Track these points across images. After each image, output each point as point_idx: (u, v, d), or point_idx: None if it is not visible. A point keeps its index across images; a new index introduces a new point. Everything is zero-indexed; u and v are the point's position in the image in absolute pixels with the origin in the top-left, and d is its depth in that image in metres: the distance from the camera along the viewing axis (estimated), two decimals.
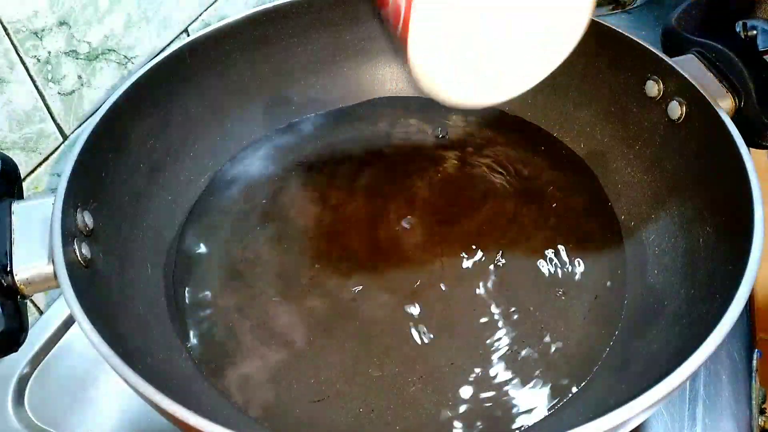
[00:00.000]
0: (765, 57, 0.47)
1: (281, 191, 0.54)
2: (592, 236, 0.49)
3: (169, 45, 0.57)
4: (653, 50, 0.47)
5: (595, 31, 0.51)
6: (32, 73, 0.45)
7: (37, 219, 0.39)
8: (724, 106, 0.45)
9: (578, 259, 0.48)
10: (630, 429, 0.32)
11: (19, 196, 0.41)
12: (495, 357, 0.43)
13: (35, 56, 0.45)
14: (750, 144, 0.41)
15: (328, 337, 0.45)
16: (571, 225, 0.50)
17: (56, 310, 0.52)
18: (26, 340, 0.37)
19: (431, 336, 0.44)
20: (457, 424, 0.40)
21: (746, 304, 0.34)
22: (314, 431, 0.40)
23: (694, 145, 0.45)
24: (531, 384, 0.42)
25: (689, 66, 0.47)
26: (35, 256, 0.37)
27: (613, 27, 0.50)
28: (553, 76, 0.56)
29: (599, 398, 0.41)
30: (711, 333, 0.33)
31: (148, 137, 0.50)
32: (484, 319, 0.45)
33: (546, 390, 0.42)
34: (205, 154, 0.55)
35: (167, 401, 0.31)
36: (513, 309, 0.46)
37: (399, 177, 0.55)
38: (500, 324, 0.45)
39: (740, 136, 0.41)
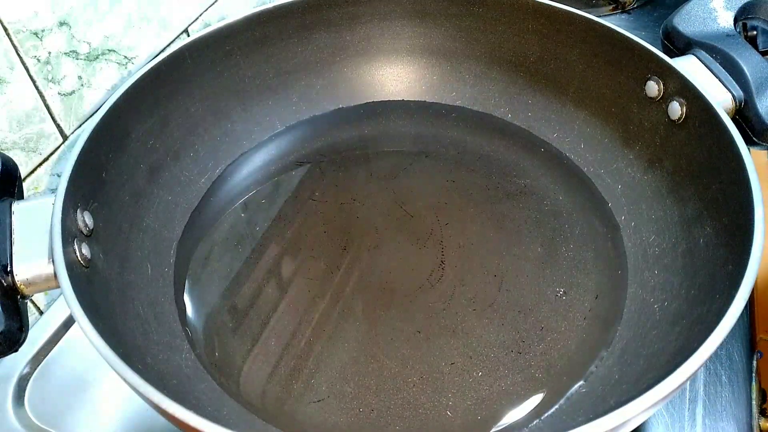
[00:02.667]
0: (765, 57, 0.47)
1: (281, 191, 0.54)
2: (592, 236, 0.49)
3: (169, 45, 0.57)
4: (653, 50, 0.47)
5: (595, 31, 0.51)
6: (32, 73, 0.45)
7: (37, 219, 0.38)
8: (724, 106, 0.45)
9: (578, 259, 0.48)
10: (630, 429, 0.32)
11: (20, 196, 0.41)
12: (495, 357, 0.43)
13: (35, 56, 0.45)
14: (750, 144, 0.41)
15: (328, 337, 0.45)
16: (572, 225, 0.50)
17: (56, 310, 0.52)
18: (26, 340, 0.37)
19: (431, 336, 0.44)
20: (457, 424, 0.40)
21: (746, 305, 0.34)
22: (314, 431, 0.40)
23: (694, 145, 0.45)
24: (531, 384, 0.42)
25: (689, 66, 0.47)
26: (35, 256, 0.37)
27: (613, 27, 0.50)
28: (554, 76, 0.56)
29: (599, 398, 0.41)
30: (711, 333, 0.33)
31: (148, 137, 0.50)
32: (484, 320, 0.45)
33: (546, 390, 0.42)
34: (206, 155, 0.55)
35: (167, 401, 0.31)
36: (513, 309, 0.46)
37: (399, 178, 0.55)
38: (500, 324, 0.45)
39: (740, 136, 0.41)
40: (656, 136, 0.49)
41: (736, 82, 0.46)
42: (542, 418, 0.40)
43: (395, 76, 0.61)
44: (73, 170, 0.40)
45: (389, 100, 0.61)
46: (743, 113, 0.46)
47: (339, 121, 0.59)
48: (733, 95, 0.46)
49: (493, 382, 0.42)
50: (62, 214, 0.38)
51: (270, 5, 0.55)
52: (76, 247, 0.39)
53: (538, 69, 0.57)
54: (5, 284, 0.36)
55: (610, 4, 0.80)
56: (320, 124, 0.59)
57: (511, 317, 0.45)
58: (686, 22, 0.51)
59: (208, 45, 0.53)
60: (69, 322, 0.51)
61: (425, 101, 0.61)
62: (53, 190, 0.40)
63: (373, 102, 0.61)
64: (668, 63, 0.46)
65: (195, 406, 0.32)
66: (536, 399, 0.41)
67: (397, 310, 0.46)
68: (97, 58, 0.50)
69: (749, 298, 0.34)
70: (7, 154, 0.42)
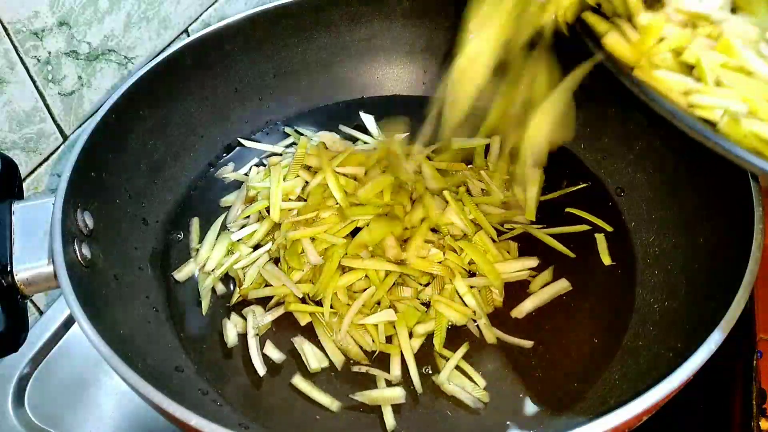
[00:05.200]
0: None
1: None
2: (592, 237, 0.49)
3: (169, 45, 0.57)
4: None
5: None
6: (32, 73, 0.45)
7: (37, 219, 0.39)
8: None
9: (580, 259, 0.48)
10: (631, 429, 0.32)
11: (20, 196, 0.41)
12: (496, 357, 0.43)
13: (35, 56, 0.45)
14: None
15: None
16: (572, 226, 0.50)
17: (56, 310, 0.52)
18: (26, 340, 0.37)
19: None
20: (458, 423, 0.41)
21: (746, 305, 0.34)
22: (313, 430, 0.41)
23: (694, 146, 0.45)
24: (532, 383, 0.42)
25: None
26: (35, 256, 0.37)
27: None
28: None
29: (600, 398, 0.41)
30: (711, 333, 0.33)
31: (148, 137, 0.50)
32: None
33: (547, 390, 0.42)
34: (205, 154, 0.55)
35: (167, 401, 0.31)
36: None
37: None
38: (501, 324, 0.45)
39: None
40: (656, 136, 0.49)
41: None
42: (544, 418, 0.40)
43: (395, 76, 0.61)
44: (73, 170, 0.41)
45: (388, 97, 0.61)
46: None
47: (339, 120, 0.59)
48: None
49: (494, 381, 0.42)
50: (62, 214, 0.38)
51: (270, 5, 0.55)
52: (76, 247, 0.39)
53: None
54: (5, 284, 0.36)
55: None
56: (321, 124, 0.59)
57: (513, 318, 0.45)
58: None
59: (208, 45, 0.53)
60: (69, 322, 0.51)
61: (426, 96, 0.61)
62: (53, 190, 0.40)
63: (373, 99, 0.61)
64: None
65: (195, 406, 0.32)
66: (537, 398, 0.41)
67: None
68: (97, 58, 0.50)
69: (749, 298, 0.34)
70: (7, 154, 0.42)
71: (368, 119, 0.58)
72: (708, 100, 0.33)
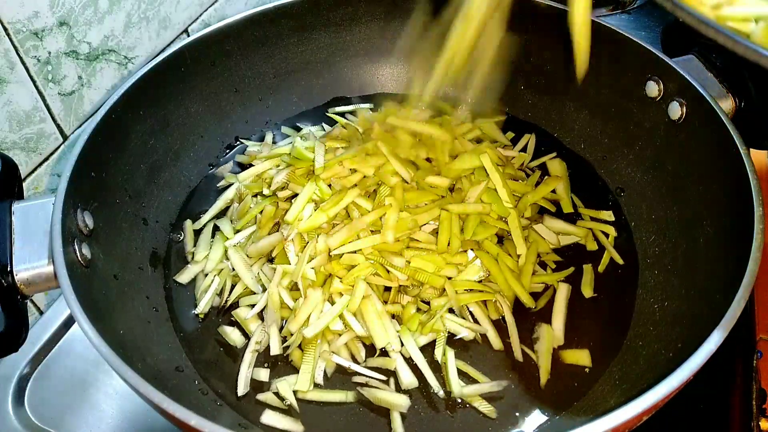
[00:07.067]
0: None
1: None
2: (592, 237, 0.49)
3: (169, 45, 0.57)
4: (653, 51, 0.48)
5: (595, 31, 0.51)
6: (32, 73, 0.45)
7: (37, 219, 0.39)
8: (724, 106, 0.45)
9: (580, 259, 0.48)
10: (631, 429, 0.32)
11: (20, 196, 0.41)
12: (497, 357, 0.43)
13: (35, 56, 0.45)
14: (750, 144, 0.41)
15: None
16: (572, 226, 0.50)
17: (56, 310, 0.52)
18: (26, 340, 0.37)
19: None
20: (459, 424, 0.41)
21: (746, 305, 0.34)
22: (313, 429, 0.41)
23: (694, 146, 0.45)
24: (534, 385, 0.42)
25: (689, 66, 0.47)
26: (35, 256, 0.37)
27: (613, 27, 0.50)
28: (554, 77, 0.56)
29: (600, 398, 0.41)
30: (711, 333, 0.33)
31: (148, 137, 0.50)
32: None
33: (549, 391, 0.42)
34: (205, 154, 0.55)
35: (167, 401, 0.31)
36: (513, 309, 0.46)
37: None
38: (503, 324, 0.45)
39: (740, 136, 0.41)
40: (656, 136, 0.49)
41: (736, 82, 0.46)
42: (546, 419, 0.40)
43: (395, 77, 0.61)
44: (73, 170, 0.41)
45: (389, 94, 0.61)
46: (743, 113, 0.46)
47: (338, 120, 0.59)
48: (733, 95, 0.46)
49: (494, 380, 0.42)
50: (62, 214, 0.38)
51: (270, 5, 0.55)
52: (76, 247, 0.39)
53: (538, 69, 0.57)
54: (5, 284, 0.36)
55: (609, 4, 0.80)
56: (320, 124, 0.59)
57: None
58: None
59: (208, 45, 0.53)
60: (69, 322, 0.51)
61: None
62: (53, 190, 0.40)
63: (376, 96, 0.61)
64: (668, 63, 0.46)
65: (195, 406, 0.32)
66: (537, 399, 0.41)
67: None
68: (97, 58, 0.50)
69: (749, 298, 0.34)
70: (7, 154, 0.42)
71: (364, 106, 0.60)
72: (740, 10, 0.32)
